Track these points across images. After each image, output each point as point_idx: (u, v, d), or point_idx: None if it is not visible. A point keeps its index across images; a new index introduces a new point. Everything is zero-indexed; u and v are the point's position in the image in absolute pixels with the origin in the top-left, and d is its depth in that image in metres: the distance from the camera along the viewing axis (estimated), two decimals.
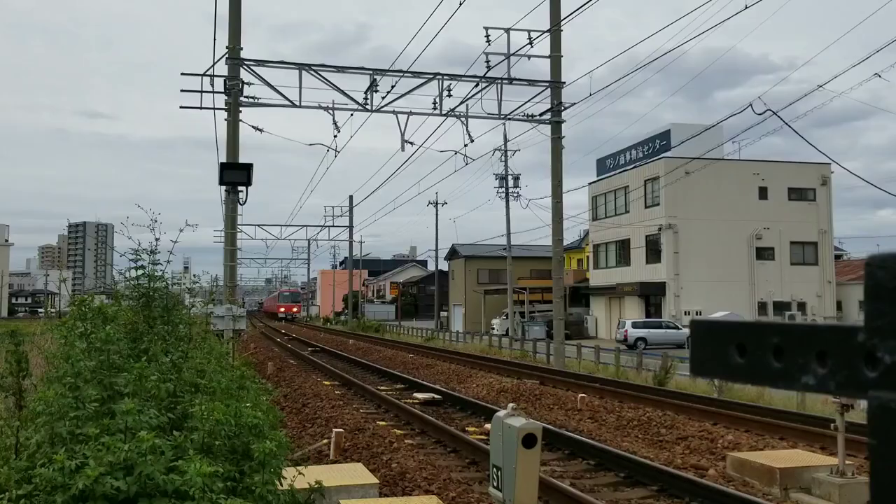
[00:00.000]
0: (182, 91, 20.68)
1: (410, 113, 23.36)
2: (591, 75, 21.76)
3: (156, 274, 7.30)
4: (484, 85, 23.42)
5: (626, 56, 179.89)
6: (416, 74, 23.05)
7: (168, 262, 7.70)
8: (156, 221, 8.03)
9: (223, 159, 20.34)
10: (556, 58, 24.22)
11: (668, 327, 40.21)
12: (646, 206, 47.77)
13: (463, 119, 24.10)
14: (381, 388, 19.28)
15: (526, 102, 24.91)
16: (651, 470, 9.30)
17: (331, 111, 22.48)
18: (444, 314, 70.34)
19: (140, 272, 7.28)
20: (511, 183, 46.27)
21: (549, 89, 24.35)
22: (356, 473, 8.11)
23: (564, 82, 24.54)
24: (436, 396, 16.86)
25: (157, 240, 7.77)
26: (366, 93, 22.65)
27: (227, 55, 20.71)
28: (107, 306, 6.93)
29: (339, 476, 7.84)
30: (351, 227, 65.03)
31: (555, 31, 23.89)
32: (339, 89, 22.36)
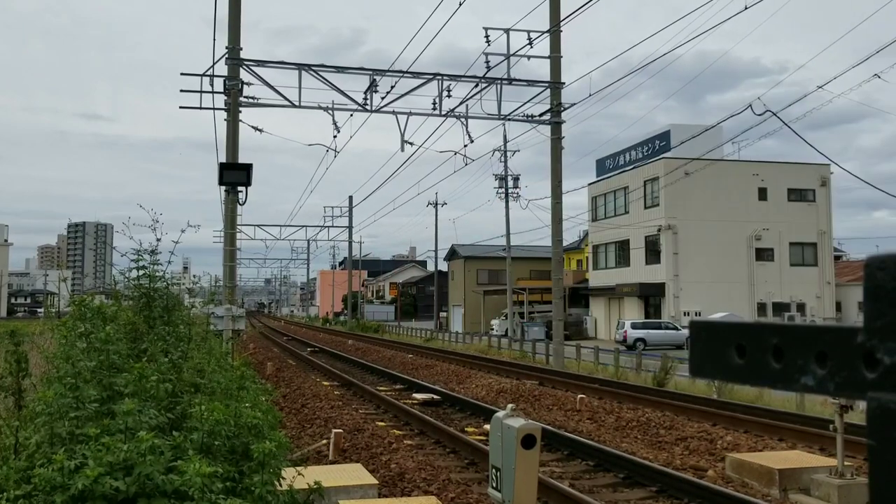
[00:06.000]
0: (182, 91, 20.69)
1: (410, 113, 23.36)
2: (591, 76, 21.76)
3: (156, 274, 7.29)
4: (484, 85, 23.42)
5: (621, 59, 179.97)
6: (415, 75, 23.05)
7: (169, 262, 7.70)
8: (157, 222, 8.02)
9: (223, 159, 20.33)
10: (555, 58, 24.23)
11: (667, 328, 40.20)
12: (645, 207, 47.77)
13: (462, 119, 24.10)
14: (381, 388, 19.28)
15: (525, 103, 24.96)
16: (650, 471, 9.31)
17: (330, 111, 22.48)
18: (443, 315, 70.34)
19: (141, 272, 7.27)
20: (511, 183, 46.33)
21: (548, 90, 24.35)
22: (355, 474, 8.11)
23: (564, 83, 24.56)
24: (435, 397, 16.86)
25: (158, 240, 7.76)
26: (365, 93, 22.66)
27: (226, 55, 20.71)
28: (107, 306, 6.93)
29: (338, 476, 7.84)
30: (350, 227, 65.05)
31: (554, 31, 23.89)
32: (338, 89, 22.37)
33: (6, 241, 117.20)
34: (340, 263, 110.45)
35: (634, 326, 40.18)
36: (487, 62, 22.81)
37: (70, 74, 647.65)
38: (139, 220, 8.05)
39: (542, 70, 24.66)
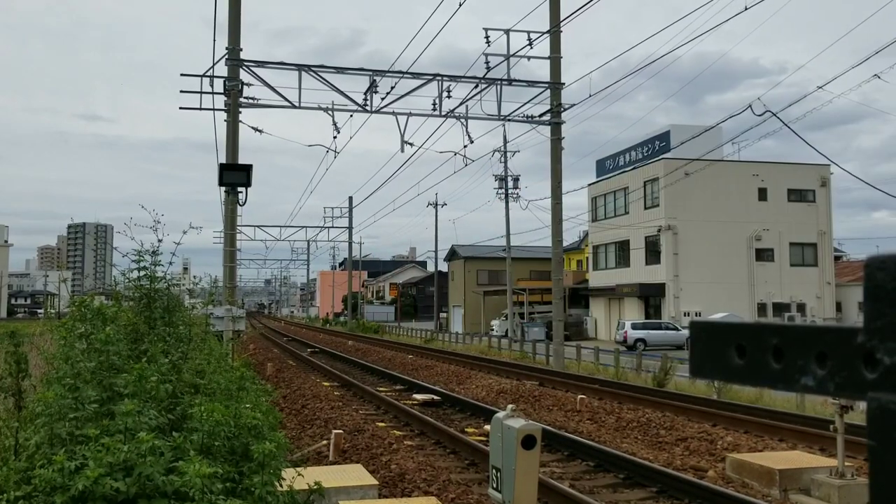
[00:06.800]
0: (182, 92, 20.70)
1: (410, 114, 23.35)
2: (590, 77, 21.80)
3: (157, 275, 7.28)
4: (483, 86, 23.42)
5: (620, 60, 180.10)
6: (415, 76, 23.05)
7: (171, 263, 7.69)
8: (158, 223, 8.02)
9: (223, 160, 20.33)
10: (555, 59, 24.23)
11: (667, 328, 40.20)
12: (645, 208, 47.77)
13: (462, 120, 24.09)
14: (381, 389, 19.28)
15: (525, 104, 24.94)
16: (650, 471, 9.30)
17: (330, 112, 22.48)
18: (443, 315, 70.34)
19: (142, 273, 7.26)
20: (510, 184, 46.32)
21: (548, 90, 24.35)
22: (355, 475, 8.11)
23: (564, 83, 24.56)
24: (435, 398, 16.86)
25: (160, 241, 7.75)
26: (365, 94, 22.67)
27: (226, 56, 20.72)
28: (106, 307, 6.92)
29: (338, 477, 7.84)
30: (350, 227, 65.03)
31: (554, 32, 23.89)
32: (338, 90, 22.37)
33: (6, 241, 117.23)
34: (340, 264, 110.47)
35: (634, 327, 40.19)
36: (487, 63, 22.81)
37: (70, 74, 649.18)
38: (140, 220, 8.04)
39: (542, 71, 24.74)
